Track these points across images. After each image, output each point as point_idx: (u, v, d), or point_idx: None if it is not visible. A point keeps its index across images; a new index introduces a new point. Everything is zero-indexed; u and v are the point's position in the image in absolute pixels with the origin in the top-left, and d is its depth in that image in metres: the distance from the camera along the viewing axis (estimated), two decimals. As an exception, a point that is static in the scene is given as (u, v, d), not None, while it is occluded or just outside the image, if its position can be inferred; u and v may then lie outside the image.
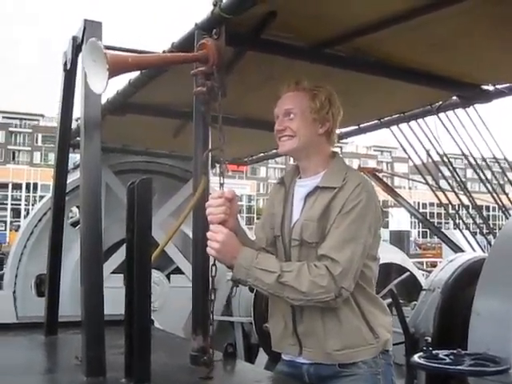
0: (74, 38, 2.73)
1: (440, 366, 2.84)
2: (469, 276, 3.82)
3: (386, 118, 4.50)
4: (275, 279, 2.15)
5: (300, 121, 2.37)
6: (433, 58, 3.27)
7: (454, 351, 2.96)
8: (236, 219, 2.32)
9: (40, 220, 5.77)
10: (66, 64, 2.89)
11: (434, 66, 3.41)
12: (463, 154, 5.29)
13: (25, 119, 79.37)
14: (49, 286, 3.01)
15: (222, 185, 2.28)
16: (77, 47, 2.71)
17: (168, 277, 6.10)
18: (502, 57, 3.24)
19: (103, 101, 3.97)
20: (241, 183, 70.00)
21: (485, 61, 3.32)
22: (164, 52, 2.91)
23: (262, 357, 5.63)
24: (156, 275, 5.95)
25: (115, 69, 2.02)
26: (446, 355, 2.97)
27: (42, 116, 77.85)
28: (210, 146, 2.42)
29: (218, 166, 2.36)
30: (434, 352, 3.00)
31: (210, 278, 2.29)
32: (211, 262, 2.28)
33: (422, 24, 2.75)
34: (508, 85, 3.70)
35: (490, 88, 3.76)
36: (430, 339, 3.26)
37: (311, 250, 2.28)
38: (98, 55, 2.03)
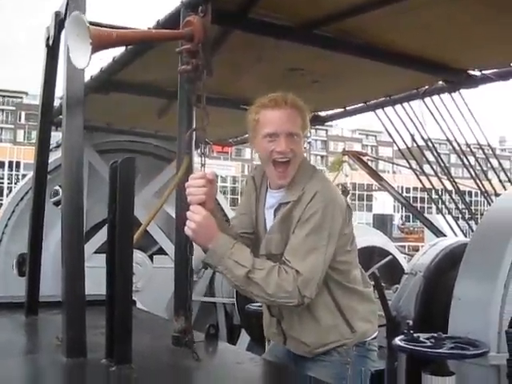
0: (57, 14, 2.66)
1: (420, 348, 2.86)
2: (451, 260, 3.84)
3: (371, 101, 4.49)
4: (245, 274, 2.18)
5: (300, 144, 2.37)
6: (420, 42, 3.26)
7: (435, 334, 2.97)
8: (214, 202, 2.32)
9: (22, 199, 5.72)
10: (48, 40, 2.82)
11: (421, 51, 3.41)
12: (447, 140, 5.31)
13: (8, 97, 78.32)
14: (29, 265, 2.97)
15: (203, 165, 2.25)
16: (59, 23, 2.64)
17: (151, 257, 6.09)
18: (490, 42, 3.24)
19: (87, 78, 3.91)
20: (225, 164, 69.78)
21: (472, 46, 3.32)
22: (149, 29, 2.86)
23: (245, 338, 5.66)
24: (139, 255, 5.94)
25: (99, 44, 1.97)
26: (427, 338, 2.99)
27: (26, 94, 76.74)
28: (194, 126, 2.38)
29: (202, 146, 2.33)
30: (414, 335, 3.02)
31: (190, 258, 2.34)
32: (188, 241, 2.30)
33: (410, 8, 2.74)
34: (495, 70, 3.70)
35: (477, 73, 3.76)
36: (411, 322, 3.28)
37: (278, 260, 2.31)
38: (82, 29, 1.98)
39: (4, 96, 78.13)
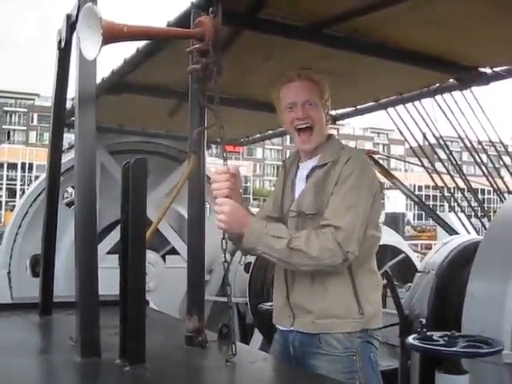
0: (69, 16, 2.68)
1: (434, 347, 2.85)
2: (463, 258, 3.83)
3: (382, 100, 4.48)
4: (286, 245, 2.23)
5: (318, 111, 2.49)
6: (431, 39, 3.26)
7: (448, 333, 2.97)
8: (240, 195, 2.40)
9: (35, 200, 5.75)
10: (60, 42, 2.84)
11: (431, 48, 3.40)
12: (459, 137, 5.28)
13: (20, 98, 78.84)
14: (43, 266, 2.99)
15: (225, 159, 2.28)
16: (71, 25, 2.65)
17: (163, 257, 6.11)
18: (500, 39, 3.23)
19: (98, 80, 3.93)
20: (237, 164, 70.03)
21: (483, 43, 3.31)
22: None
23: (257, 337, 5.67)
24: (151, 256, 5.97)
25: (110, 36, 1.99)
26: (440, 337, 2.98)
27: (38, 95, 77.23)
28: (205, 125, 2.40)
29: (213, 146, 2.38)
30: (428, 333, 3.01)
31: (224, 252, 2.30)
32: (221, 236, 2.29)
33: (419, 5, 2.75)
34: (506, 67, 3.68)
35: (488, 71, 3.74)
36: (424, 321, 3.27)
37: (307, 222, 2.39)
38: (93, 21, 2.00)
39: (16, 98, 78.63)
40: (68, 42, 2.76)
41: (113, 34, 2.05)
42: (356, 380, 2.36)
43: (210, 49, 2.30)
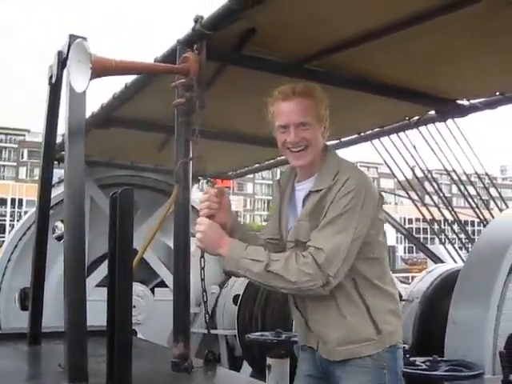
0: (60, 53, 2.78)
1: (416, 371, 2.91)
2: (446, 286, 3.90)
3: (366, 132, 4.59)
4: (263, 268, 2.21)
5: (312, 130, 2.36)
6: (409, 73, 3.37)
7: (430, 358, 3.03)
8: (231, 214, 2.41)
9: (24, 234, 5.78)
10: (51, 78, 2.94)
11: (410, 82, 3.52)
12: (446, 170, 5.37)
13: (10, 134, 78.91)
14: (33, 297, 3.04)
15: (212, 183, 2.36)
16: (62, 62, 2.76)
17: (152, 290, 6.13)
18: (476, 73, 3.36)
19: (88, 115, 4.03)
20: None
21: (460, 76, 3.43)
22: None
23: (247, 369, 5.67)
24: (140, 288, 5.99)
25: (98, 70, 2.09)
26: (423, 362, 3.04)
27: (28, 131, 77.31)
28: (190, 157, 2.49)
29: (202, 181, 2.46)
30: (411, 359, 3.07)
31: (200, 270, 2.39)
32: (199, 255, 2.36)
33: (397, 40, 2.85)
34: (482, 99, 3.81)
35: (465, 103, 3.87)
36: (406, 347, 3.32)
37: (305, 249, 2.31)
38: (83, 55, 2.10)
39: (6, 134, 78.66)
40: (59, 77, 2.85)
41: (102, 68, 2.15)
42: None
43: (195, 83, 2.41)
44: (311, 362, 2.47)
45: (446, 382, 3.01)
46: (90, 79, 2.11)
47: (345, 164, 2.42)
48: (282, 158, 5.66)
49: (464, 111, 3.92)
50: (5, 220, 63.44)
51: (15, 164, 77.16)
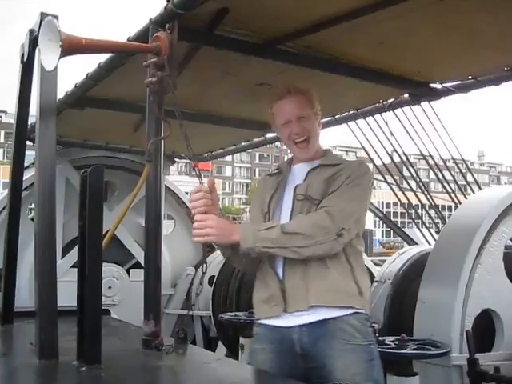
0: (31, 31, 2.76)
1: (384, 350, 2.96)
2: (418, 268, 3.94)
3: (341, 115, 4.61)
4: (280, 231, 2.26)
5: (312, 122, 2.59)
6: (382, 56, 3.39)
7: (399, 337, 3.08)
8: (217, 208, 2.43)
9: (-2, 214, 5.74)
10: (23, 56, 2.91)
11: (384, 64, 3.54)
12: (422, 155, 5.41)
13: (-12, 116, 77.90)
14: (5, 277, 3.04)
15: (199, 176, 2.46)
16: (34, 40, 2.73)
17: (128, 271, 6.13)
18: (448, 55, 3.38)
19: (62, 94, 4.01)
20: (205, 182, 69.46)
21: (432, 59, 3.46)
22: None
23: (221, 349, 5.72)
24: (116, 270, 6.00)
25: (69, 48, 2.08)
26: (392, 341, 3.09)
27: (5, 112, 76.24)
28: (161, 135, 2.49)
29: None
30: (380, 338, 3.12)
31: (202, 274, 2.53)
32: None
33: (370, 22, 2.87)
34: (456, 83, 3.84)
35: (438, 86, 3.90)
36: (376, 326, 3.38)
37: (313, 208, 2.42)
38: (53, 34, 2.09)
39: (-17, 116, 77.59)
40: (30, 56, 2.82)
41: (72, 46, 2.14)
42: (374, 369, 2.37)
43: (166, 63, 2.40)
44: (283, 347, 2.40)
45: (413, 360, 3.06)
46: (60, 57, 2.10)
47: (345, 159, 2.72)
48: (258, 139, 5.68)
49: (437, 94, 3.96)
50: (-19, 202, 62.75)
51: (-8, 146, 76.21)
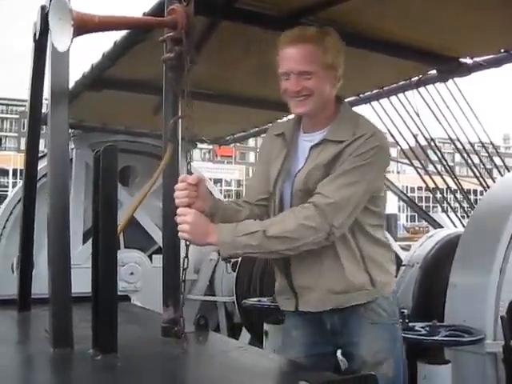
0: (43, 7, 2.65)
1: (415, 336, 2.85)
2: (447, 250, 3.83)
3: (365, 94, 4.46)
4: (262, 236, 2.08)
5: (317, 80, 2.23)
6: (409, 30, 3.24)
7: (430, 323, 2.96)
8: (209, 201, 2.27)
9: (19, 201, 5.70)
10: (35, 35, 2.81)
11: (410, 39, 3.39)
12: (449, 138, 5.28)
13: (12, 105, 78.66)
14: (21, 263, 2.98)
15: (189, 164, 2.27)
16: (45, 16, 2.63)
17: (150, 257, 6.08)
18: (479, 29, 3.22)
19: (79, 76, 3.92)
20: (229, 168, 69.86)
21: (462, 33, 3.30)
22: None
23: (245, 335, 5.66)
24: (138, 255, 5.95)
25: (81, 27, 1.97)
26: (422, 327, 2.98)
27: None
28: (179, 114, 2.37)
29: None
30: (410, 324, 3.01)
31: (181, 270, 2.25)
32: (183, 255, 2.22)
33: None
34: (486, 57, 3.68)
35: (469, 61, 3.74)
36: (406, 312, 3.26)
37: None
38: (64, 13, 1.98)
39: (8, 105, 78.45)
40: (43, 33, 2.72)
41: (84, 25, 2.02)
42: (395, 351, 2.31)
43: (183, 37, 2.28)
44: (315, 326, 2.39)
45: (446, 347, 2.94)
46: (73, 37, 1.98)
47: (363, 119, 2.32)
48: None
49: (467, 70, 3.79)
50: (7, 191, 63.55)
51: (16, 135, 77.06)
